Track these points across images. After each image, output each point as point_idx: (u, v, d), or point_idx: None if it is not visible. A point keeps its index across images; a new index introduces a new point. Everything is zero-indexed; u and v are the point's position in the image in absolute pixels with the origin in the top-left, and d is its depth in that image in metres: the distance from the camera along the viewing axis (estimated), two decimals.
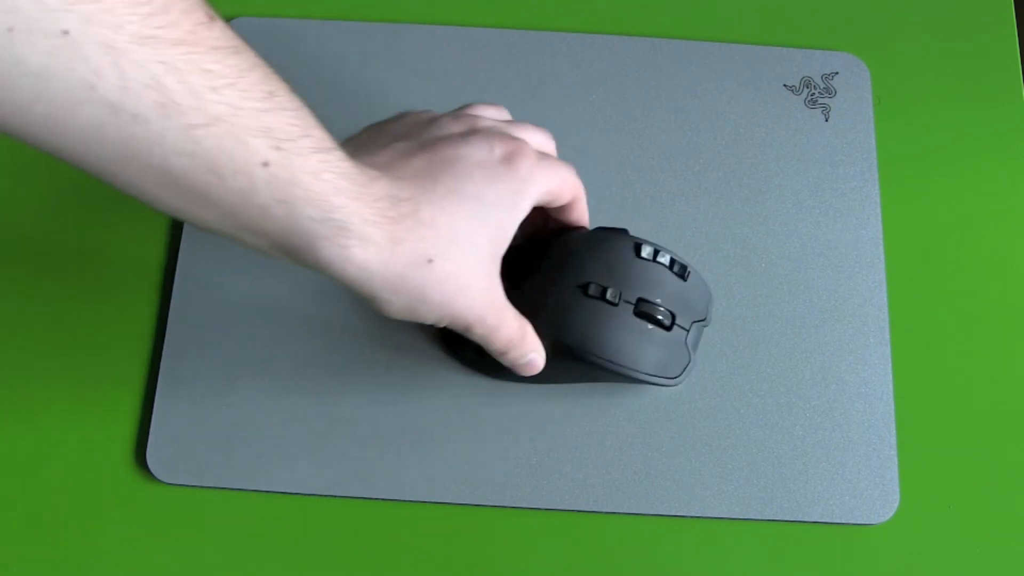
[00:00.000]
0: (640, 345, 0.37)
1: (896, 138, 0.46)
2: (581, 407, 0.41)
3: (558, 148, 0.39)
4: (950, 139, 0.46)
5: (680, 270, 0.38)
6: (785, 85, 0.46)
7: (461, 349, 0.41)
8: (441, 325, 0.34)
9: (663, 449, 0.41)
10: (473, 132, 0.35)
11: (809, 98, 0.46)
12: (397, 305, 0.32)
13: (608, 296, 0.37)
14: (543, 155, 0.36)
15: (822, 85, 0.46)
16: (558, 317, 0.37)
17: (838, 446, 0.41)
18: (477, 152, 0.33)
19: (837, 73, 0.47)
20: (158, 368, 0.41)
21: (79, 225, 0.44)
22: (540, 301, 0.38)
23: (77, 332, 0.42)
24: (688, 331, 0.39)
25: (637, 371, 0.38)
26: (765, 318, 0.42)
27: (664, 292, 0.38)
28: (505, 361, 0.37)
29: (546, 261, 0.39)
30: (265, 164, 0.27)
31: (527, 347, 0.37)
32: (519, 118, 0.41)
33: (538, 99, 0.46)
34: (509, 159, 0.34)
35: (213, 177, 0.27)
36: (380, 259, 0.30)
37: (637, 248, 0.38)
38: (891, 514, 0.40)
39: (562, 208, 0.38)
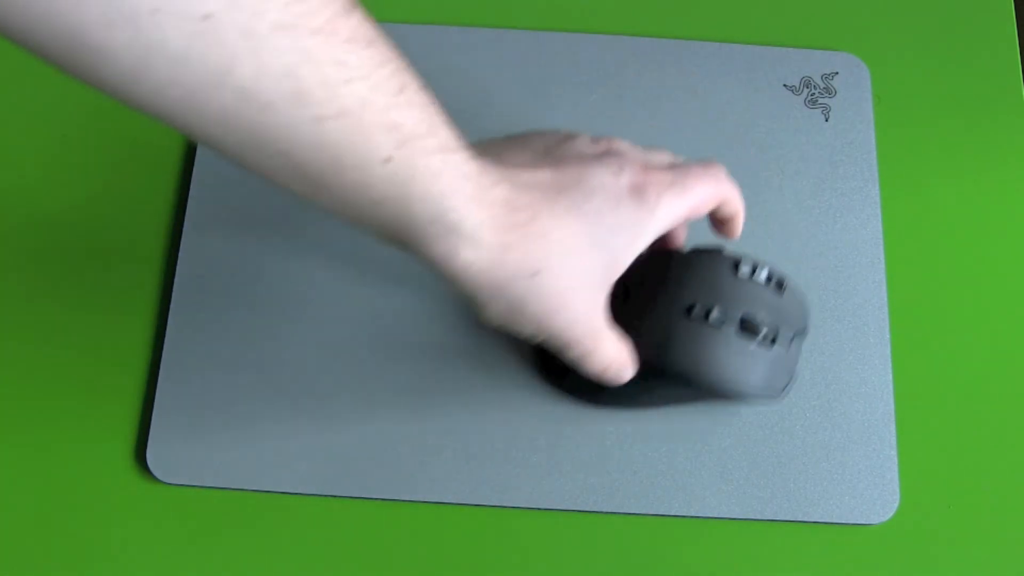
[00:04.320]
0: (745, 364, 0.37)
1: (896, 138, 0.46)
2: (580, 407, 0.41)
3: None
4: (950, 139, 0.46)
5: (778, 284, 0.37)
6: (785, 85, 0.46)
7: (559, 377, 0.40)
8: (537, 340, 0.33)
9: (663, 449, 0.41)
10: (607, 154, 0.34)
11: (809, 98, 0.46)
12: (495, 311, 0.32)
13: (712, 319, 0.36)
14: (677, 175, 0.34)
15: (822, 85, 0.46)
16: (664, 342, 0.37)
17: (838, 446, 0.41)
18: (605, 175, 0.33)
19: (837, 73, 0.47)
20: (158, 368, 0.41)
21: (81, 226, 0.44)
22: (642, 324, 0.37)
23: (77, 332, 0.42)
24: (789, 345, 0.38)
25: (745, 392, 0.37)
26: None
27: (764, 308, 0.37)
28: (596, 378, 0.36)
29: (647, 282, 0.38)
30: (386, 160, 0.27)
31: (622, 374, 0.36)
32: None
33: (538, 99, 0.46)
34: (637, 188, 0.33)
35: (334, 167, 0.27)
36: (486, 263, 0.30)
37: (736, 266, 0.37)
38: (891, 514, 0.40)
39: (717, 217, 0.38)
